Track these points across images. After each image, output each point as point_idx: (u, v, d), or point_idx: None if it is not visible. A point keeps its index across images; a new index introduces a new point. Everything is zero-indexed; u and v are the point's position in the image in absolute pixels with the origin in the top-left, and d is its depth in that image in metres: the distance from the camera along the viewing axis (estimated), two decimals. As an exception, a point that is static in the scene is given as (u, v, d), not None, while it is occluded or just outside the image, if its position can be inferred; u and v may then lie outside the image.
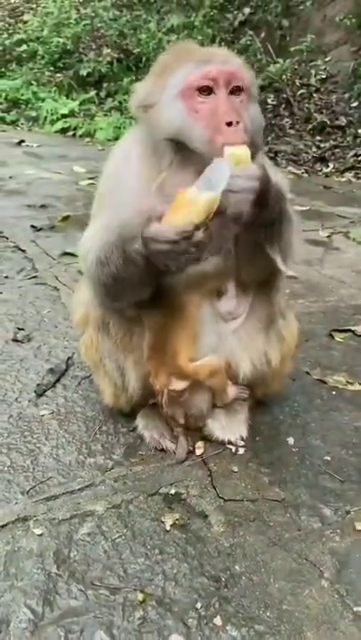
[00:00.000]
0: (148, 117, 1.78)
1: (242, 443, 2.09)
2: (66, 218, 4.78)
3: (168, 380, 1.94)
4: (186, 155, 1.74)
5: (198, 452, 2.04)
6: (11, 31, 11.78)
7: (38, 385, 2.41)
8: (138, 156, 1.87)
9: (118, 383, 2.06)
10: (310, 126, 8.15)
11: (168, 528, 1.72)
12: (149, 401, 2.09)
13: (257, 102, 1.86)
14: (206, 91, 1.71)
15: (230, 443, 2.08)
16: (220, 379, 1.99)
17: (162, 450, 2.04)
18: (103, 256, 1.73)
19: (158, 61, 1.86)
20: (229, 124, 1.65)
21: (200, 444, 2.07)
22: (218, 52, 1.83)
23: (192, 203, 1.59)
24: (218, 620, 1.44)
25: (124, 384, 2.05)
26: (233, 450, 2.06)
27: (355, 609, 1.48)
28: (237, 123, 1.66)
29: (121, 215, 1.75)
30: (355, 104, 8.16)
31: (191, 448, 2.04)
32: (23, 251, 4.06)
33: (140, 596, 1.50)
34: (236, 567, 1.60)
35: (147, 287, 1.77)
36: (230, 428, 2.10)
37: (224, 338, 1.98)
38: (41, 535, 1.68)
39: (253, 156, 1.72)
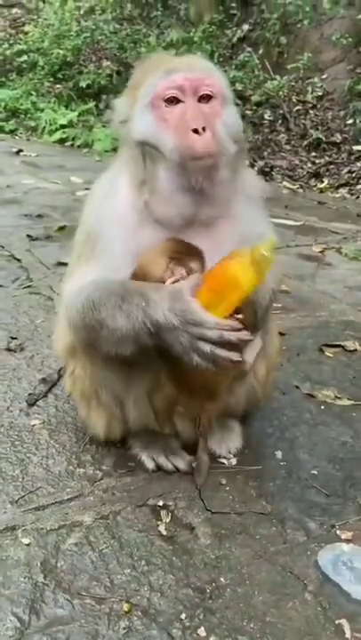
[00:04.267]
0: (126, 132, 1.81)
1: (232, 455, 2.11)
2: (62, 228, 4.81)
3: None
4: (166, 170, 1.73)
5: (188, 464, 2.06)
6: (12, 41, 11.85)
7: (30, 394, 2.43)
8: (125, 184, 1.86)
9: (116, 414, 2.00)
10: (306, 142, 8.26)
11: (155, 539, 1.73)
12: (148, 428, 2.02)
13: (232, 104, 1.85)
14: (174, 100, 1.72)
15: (224, 457, 2.09)
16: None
17: (160, 469, 2.01)
18: (97, 300, 1.70)
19: (132, 76, 1.89)
20: (195, 130, 1.66)
21: (190, 457, 2.08)
22: (184, 60, 1.85)
23: (236, 285, 1.46)
24: (202, 631, 1.46)
25: (123, 414, 1.99)
26: (226, 463, 2.08)
27: (337, 622, 1.50)
28: (204, 129, 1.67)
29: (115, 255, 1.77)
30: (350, 121, 8.29)
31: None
32: (18, 260, 4.08)
33: (126, 607, 1.51)
34: (222, 579, 1.62)
35: (132, 346, 1.70)
36: (227, 442, 2.13)
37: None
38: (29, 545, 1.69)
39: (236, 162, 1.77)
